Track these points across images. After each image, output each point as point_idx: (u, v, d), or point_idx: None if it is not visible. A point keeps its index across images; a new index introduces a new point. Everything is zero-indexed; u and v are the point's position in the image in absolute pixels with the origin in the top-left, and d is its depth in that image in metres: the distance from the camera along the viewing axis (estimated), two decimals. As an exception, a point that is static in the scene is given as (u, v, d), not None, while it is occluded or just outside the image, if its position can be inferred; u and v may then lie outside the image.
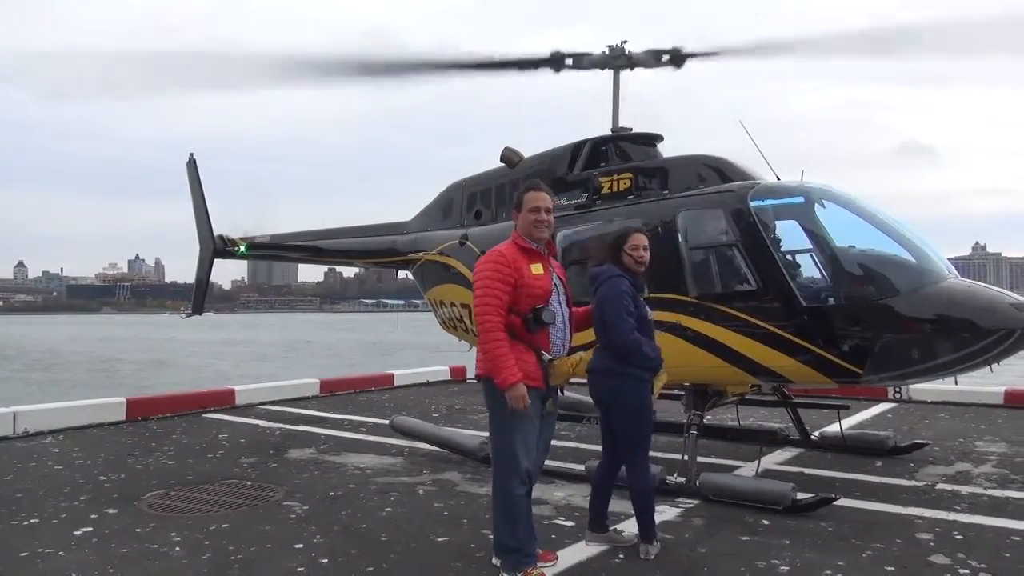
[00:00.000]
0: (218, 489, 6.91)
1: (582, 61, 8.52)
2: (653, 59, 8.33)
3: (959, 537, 5.34)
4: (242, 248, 11.42)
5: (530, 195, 4.64)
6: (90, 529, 5.71)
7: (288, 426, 10.21)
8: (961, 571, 4.69)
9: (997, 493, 6.51)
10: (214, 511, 6.21)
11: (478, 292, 4.46)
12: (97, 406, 10.58)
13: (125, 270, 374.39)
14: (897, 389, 11.68)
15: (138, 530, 5.69)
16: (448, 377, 15.26)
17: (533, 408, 4.50)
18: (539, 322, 4.43)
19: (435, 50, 8.60)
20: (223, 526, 5.79)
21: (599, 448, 5.34)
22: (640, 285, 5.12)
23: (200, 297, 12.43)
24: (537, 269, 4.54)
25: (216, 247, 11.68)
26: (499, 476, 4.57)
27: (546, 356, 4.51)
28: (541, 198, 4.61)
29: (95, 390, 16.40)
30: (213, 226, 11.82)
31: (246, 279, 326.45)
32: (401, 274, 11.21)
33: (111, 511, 6.20)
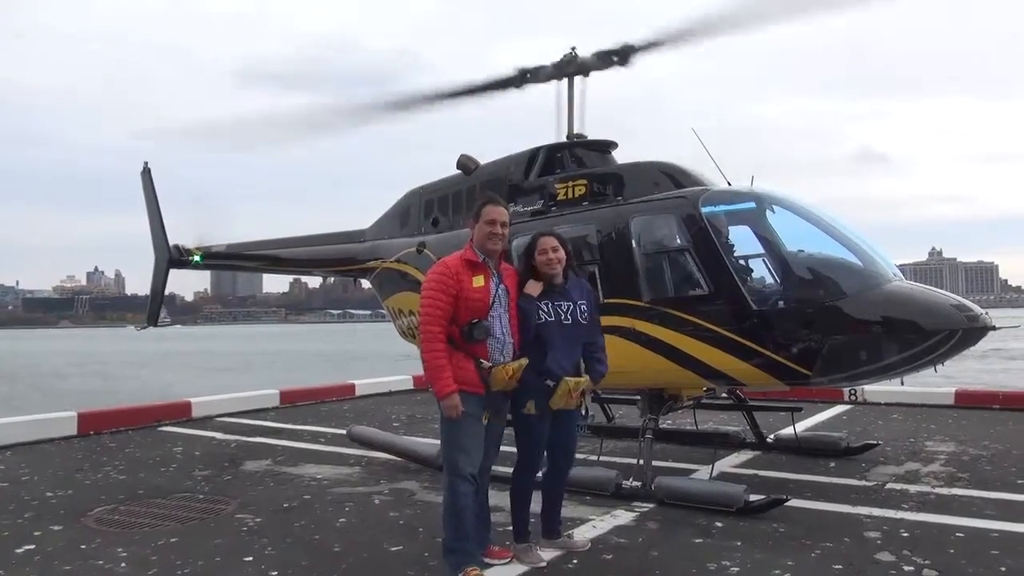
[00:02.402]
0: (169, 503, 6.77)
1: (539, 74, 8.57)
2: (601, 61, 8.37)
3: (905, 535, 5.44)
4: (197, 257, 11.24)
5: (488, 208, 4.84)
6: (33, 547, 5.56)
7: (245, 438, 10.07)
8: (906, 568, 4.77)
9: (944, 491, 6.65)
10: (163, 525, 6.09)
11: (423, 303, 4.69)
12: (47, 421, 10.34)
13: (84, 282, 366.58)
14: (853, 391, 11.90)
15: (83, 546, 5.55)
16: (411, 386, 15.17)
17: (476, 412, 4.67)
18: (471, 337, 4.60)
19: (413, 85, 8.62)
20: (172, 540, 5.67)
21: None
22: (559, 289, 4.96)
23: (155, 308, 12.21)
24: (478, 281, 4.70)
25: (171, 256, 11.48)
26: (446, 477, 4.74)
27: (485, 364, 4.64)
28: (498, 212, 4.82)
29: (46, 404, 15.95)
30: (169, 235, 11.64)
31: (209, 290, 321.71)
32: (365, 284, 11.13)
33: (56, 528, 6.05)
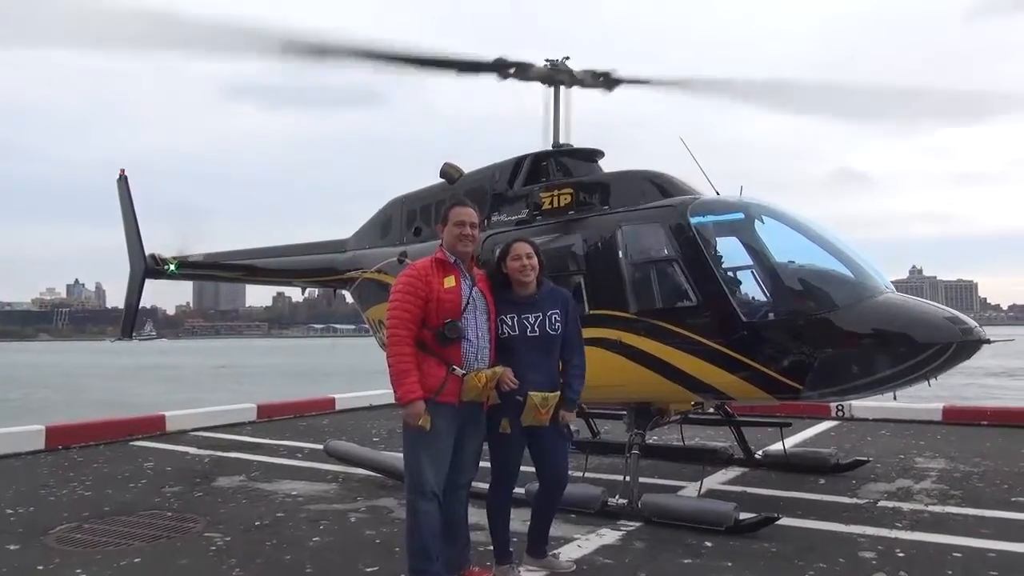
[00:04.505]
0: (135, 521, 6.48)
1: (526, 72, 8.36)
2: (591, 79, 8.25)
3: (901, 555, 5.25)
4: (172, 267, 10.95)
5: (455, 210, 4.69)
6: (-14, 567, 5.27)
7: (219, 453, 9.76)
8: (903, 590, 4.59)
9: (938, 509, 6.48)
10: (128, 544, 5.80)
11: (390, 307, 4.49)
12: (13, 435, 9.99)
13: (63, 295, 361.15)
14: (840, 407, 11.76)
15: (40, 567, 5.27)
16: (393, 400, 14.82)
17: (445, 424, 4.44)
18: (443, 337, 4.39)
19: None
20: (135, 561, 5.40)
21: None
22: (528, 300, 4.74)
23: (130, 319, 11.95)
24: (449, 282, 4.51)
25: (147, 266, 11.22)
26: (408, 493, 4.50)
27: (458, 371, 4.41)
28: (466, 213, 4.67)
29: (13, 417, 15.49)
30: (145, 245, 11.38)
31: (191, 304, 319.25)
32: (349, 299, 10.88)
33: (13, 547, 5.76)
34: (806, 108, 8.68)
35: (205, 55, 8.07)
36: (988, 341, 5.98)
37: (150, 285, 11.46)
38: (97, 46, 7.87)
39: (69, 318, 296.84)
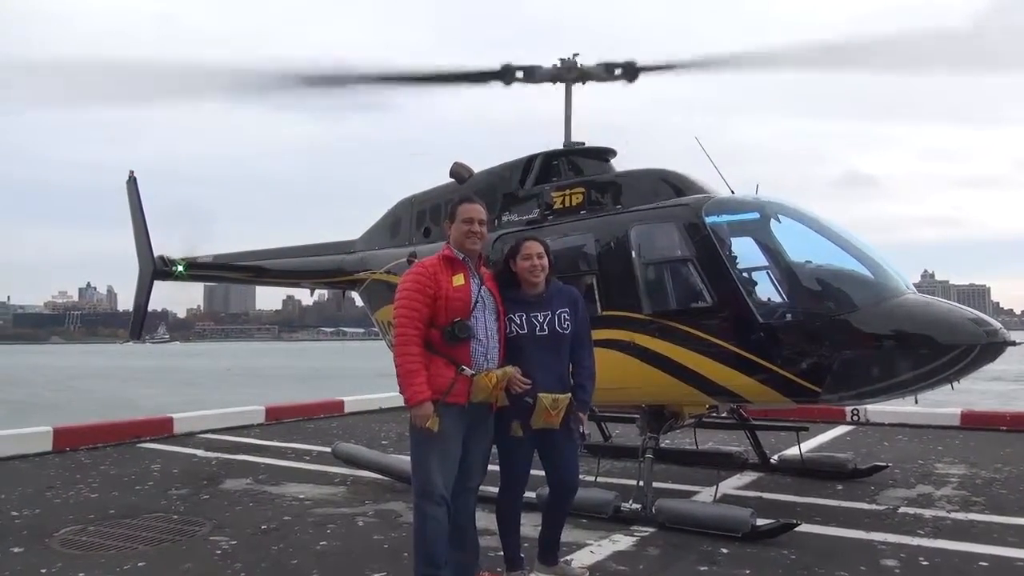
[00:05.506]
0: (140, 524, 6.40)
1: (533, 74, 8.30)
2: (606, 72, 8.12)
3: (925, 563, 5.10)
4: (180, 267, 10.88)
5: (464, 207, 4.56)
6: (-12, 571, 5.18)
7: (227, 455, 9.67)
8: (929, 600, 4.44)
9: (960, 516, 6.31)
10: (132, 548, 5.72)
11: (397, 305, 4.37)
12: (20, 436, 9.94)
13: (75, 298, 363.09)
14: (855, 411, 11.58)
15: (43, 571, 5.19)
16: (401, 403, 14.71)
17: (453, 425, 4.31)
18: (454, 336, 4.26)
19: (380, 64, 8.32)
20: (139, 564, 5.31)
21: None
22: (536, 299, 4.61)
23: (139, 321, 11.85)
24: (458, 280, 4.38)
25: (156, 267, 11.14)
26: (415, 497, 4.37)
27: (467, 371, 4.28)
28: (474, 210, 4.54)
29: (21, 419, 15.46)
30: (154, 247, 11.30)
31: (202, 307, 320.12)
32: (358, 301, 10.77)
33: (16, 550, 5.68)
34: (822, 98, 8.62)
35: (231, 96, 8.77)
36: (1013, 343, 5.83)
37: (162, 288, 11.39)
38: (130, 99, 8.69)
39: (81, 321, 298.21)
